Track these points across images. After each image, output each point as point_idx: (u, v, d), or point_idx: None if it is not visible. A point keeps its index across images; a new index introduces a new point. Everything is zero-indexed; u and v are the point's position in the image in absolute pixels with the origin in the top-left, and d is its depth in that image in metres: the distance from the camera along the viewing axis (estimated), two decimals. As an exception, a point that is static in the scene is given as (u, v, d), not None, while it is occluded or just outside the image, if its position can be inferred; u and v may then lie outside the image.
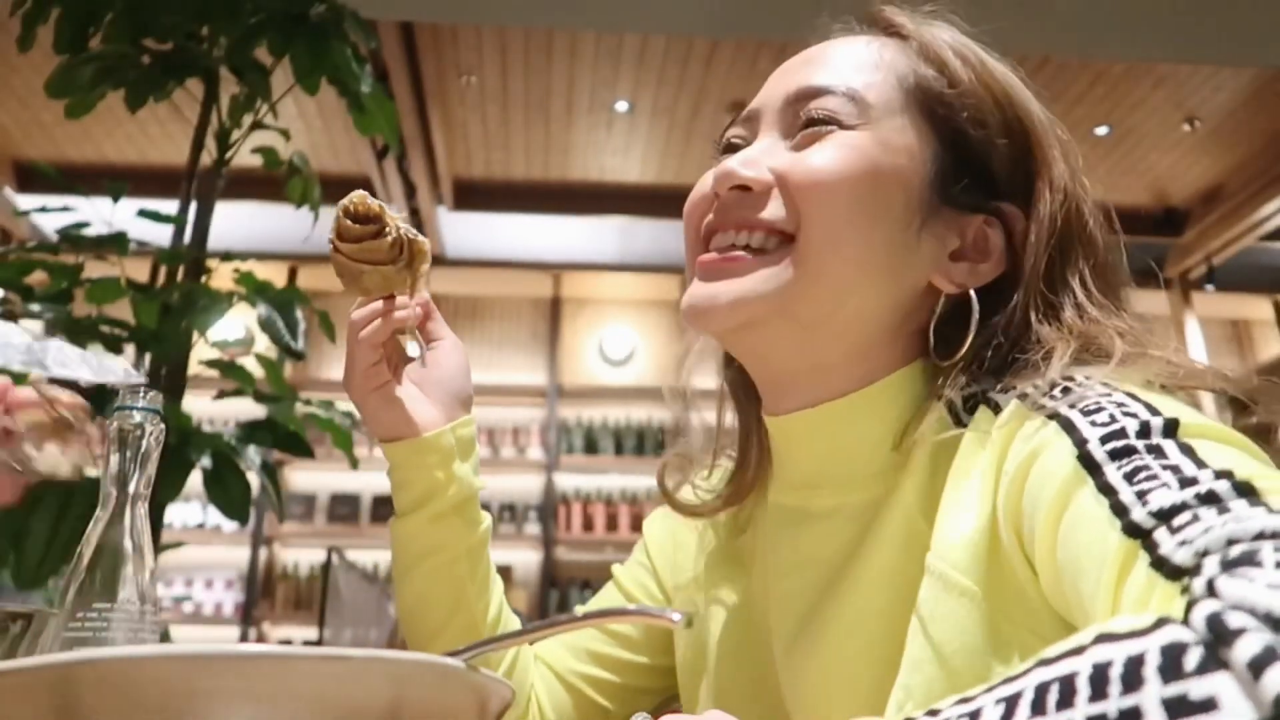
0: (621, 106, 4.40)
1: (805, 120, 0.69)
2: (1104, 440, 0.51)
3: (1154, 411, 0.52)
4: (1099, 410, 0.54)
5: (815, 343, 0.68)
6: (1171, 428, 0.50)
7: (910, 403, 0.68)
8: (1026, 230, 0.68)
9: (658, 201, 4.95)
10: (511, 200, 5.13)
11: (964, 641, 0.56)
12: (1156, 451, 0.49)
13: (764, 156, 0.69)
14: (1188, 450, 0.49)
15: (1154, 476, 0.47)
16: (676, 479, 0.84)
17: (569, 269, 5.73)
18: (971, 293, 0.67)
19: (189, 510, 5.15)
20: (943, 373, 0.67)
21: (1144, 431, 0.51)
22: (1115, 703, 0.33)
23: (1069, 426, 0.54)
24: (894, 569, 0.64)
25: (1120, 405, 0.54)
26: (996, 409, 0.62)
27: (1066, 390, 0.57)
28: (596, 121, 4.54)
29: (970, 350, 0.66)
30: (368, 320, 0.79)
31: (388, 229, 0.75)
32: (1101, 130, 4.52)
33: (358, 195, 0.75)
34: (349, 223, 0.75)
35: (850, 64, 0.71)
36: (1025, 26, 3.48)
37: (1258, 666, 0.30)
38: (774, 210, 0.67)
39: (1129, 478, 0.48)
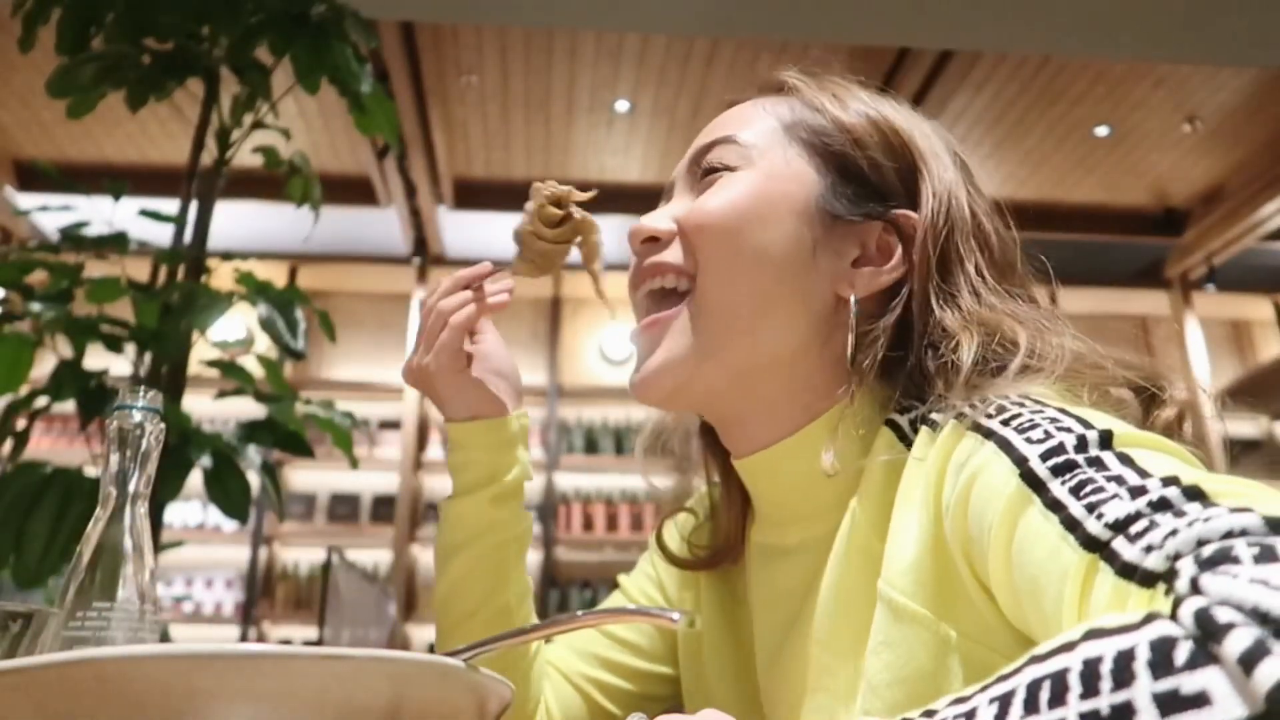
0: (622, 106, 4.40)
1: (702, 173, 0.76)
2: (1044, 457, 0.52)
3: (1087, 425, 0.53)
4: (1034, 427, 0.55)
5: (749, 382, 0.71)
6: (1107, 439, 0.51)
7: (859, 425, 0.69)
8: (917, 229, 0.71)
9: (658, 201, 4.93)
10: (512, 200, 5.10)
11: (916, 666, 0.57)
12: (1097, 464, 0.50)
13: (670, 209, 0.78)
14: (1127, 460, 0.49)
15: (1100, 489, 0.48)
16: (673, 534, 0.87)
17: (569, 269, 5.72)
18: (851, 298, 0.70)
19: (189, 510, 5.14)
20: (867, 387, 0.69)
21: (1081, 445, 0.51)
22: (1107, 699, 0.33)
23: (1006, 446, 0.55)
24: (852, 592, 0.65)
25: (1054, 421, 0.54)
26: (935, 428, 0.63)
27: (1001, 409, 0.58)
28: (597, 121, 4.54)
29: (871, 353, 0.69)
30: (459, 305, 0.83)
31: (573, 210, 0.82)
32: (1101, 130, 4.52)
33: (550, 183, 0.80)
34: (554, 210, 0.80)
35: (738, 120, 0.78)
36: (1026, 26, 3.49)
37: (1249, 661, 0.31)
38: (675, 253, 0.74)
39: (1075, 492, 0.49)
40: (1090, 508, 0.47)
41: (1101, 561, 0.44)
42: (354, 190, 4.86)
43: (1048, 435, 0.53)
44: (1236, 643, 0.31)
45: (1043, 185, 4.92)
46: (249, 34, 1.90)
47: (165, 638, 1.91)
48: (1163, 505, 0.44)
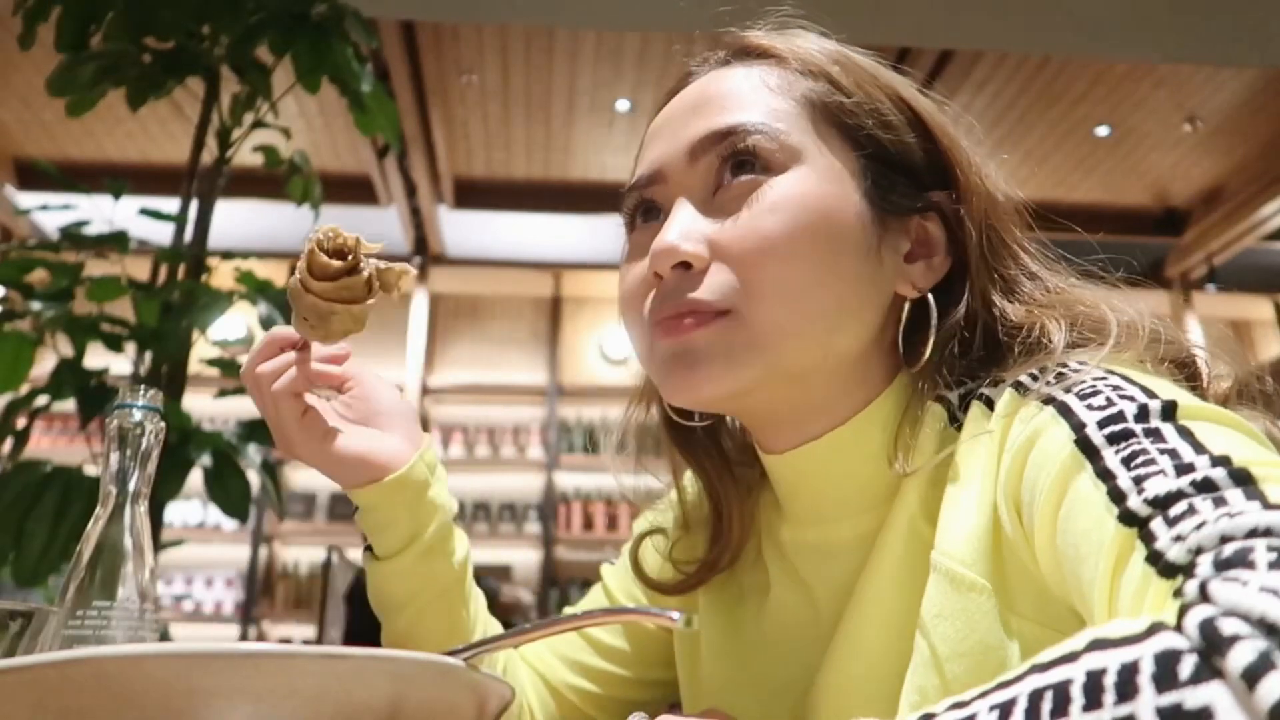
0: (622, 105, 4.40)
1: (731, 168, 0.64)
2: (1101, 424, 0.51)
3: (1151, 394, 0.52)
4: (1095, 394, 0.54)
5: (809, 387, 0.66)
6: (1169, 410, 0.50)
7: (903, 412, 0.67)
8: (959, 214, 0.67)
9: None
10: (512, 199, 5.13)
11: (977, 638, 0.56)
12: (1154, 435, 0.49)
13: (696, 224, 0.64)
14: (1186, 433, 0.48)
15: (1151, 461, 0.47)
16: (650, 559, 0.82)
17: (569, 268, 5.73)
18: (929, 295, 0.66)
19: (189, 508, 5.15)
20: (923, 376, 0.67)
21: (1142, 414, 0.50)
22: (1110, 712, 0.32)
23: (1065, 411, 0.54)
24: (900, 574, 0.63)
25: (1116, 388, 0.53)
26: (990, 404, 0.61)
27: (1061, 375, 0.57)
28: (597, 120, 4.54)
29: (937, 348, 0.65)
30: (276, 372, 0.71)
31: (362, 265, 0.67)
32: (1102, 130, 4.52)
33: (330, 229, 0.67)
34: (325, 258, 0.66)
35: (744, 97, 0.66)
36: (1026, 26, 3.49)
37: (1252, 676, 0.30)
38: (716, 285, 0.63)
39: (1126, 462, 0.48)
40: (1137, 480, 0.46)
41: (1138, 540, 0.44)
42: (354, 189, 4.87)
43: (1109, 402, 0.52)
44: (1240, 657, 0.31)
45: (1043, 185, 4.92)
46: (249, 33, 1.90)
47: (165, 636, 1.91)
48: (1206, 486, 0.43)
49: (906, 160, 0.67)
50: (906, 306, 0.67)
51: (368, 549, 0.78)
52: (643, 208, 0.70)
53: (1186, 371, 0.63)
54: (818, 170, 0.64)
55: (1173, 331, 0.63)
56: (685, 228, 0.64)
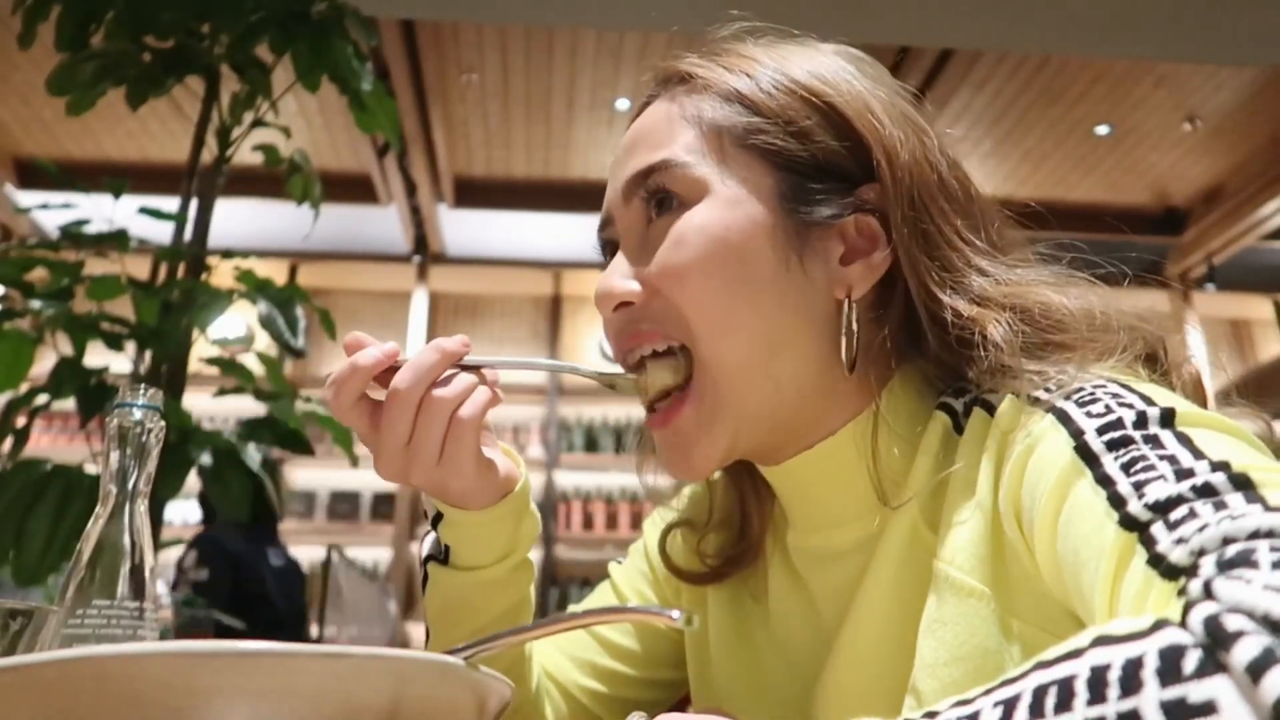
0: (622, 105, 4.40)
1: (653, 205, 0.68)
2: (1100, 431, 0.52)
3: (1149, 402, 0.52)
4: (1094, 401, 0.54)
5: (777, 421, 0.67)
6: (1168, 417, 0.51)
7: (901, 418, 0.67)
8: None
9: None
10: (512, 198, 5.13)
11: (976, 643, 0.57)
12: (1153, 441, 0.49)
13: (630, 264, 0.69)
14: (1185, 440, 0.49)
15: (1151, 467, 0.47)
16: (677, 548, 0.82)
17: (569, 267, 5.73)
18: (847, 300, 0.65)
19: (189, 507, 5.14)
20: (911, 382, 0.67)
21: (1141, 421, 0.51)
22: (1114, 706, 0.33)
23: (1065, 418, 0.54)
24: (902, 579, 0.63)
25: (1115, 396, 0.54)
26: (990, 410, 0.61)
27: (1061, 383, 0.57)
28: (597, 119, 4.54)
29: (879, 349, 0.66)
30: (462, 397, 0.66)
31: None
32: (1102, 130, 4.51)
33: None
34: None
35: (657, 135, 0.69)
36: (1026, 25, 3.48)
37: (1256, 670, 0.31)
38: (654, 315, 0.67)
39: (1126, 468, 0.49)
40: (1136, 486, 0.47)
41: (1139, 544, 0.44)
42: (354, 188, 4.87)
43: (1108, 410, 0.53)
44: (1245, 651, 0.31)
45: (1043, 185, 4.92)
46: (249, 32, 1.90)
47: (165, 635, 1.91)
48: (1206, 491, 0.44)
49: (828, 163, 0.66)
50: (853, 318, 0.66)
51: (431, 558, 0.75)
52: (607, 246, 0.75)
53: (1156, 363, 0.62)
54: (724, 198, 0.66)
55: (1130, 319, 0.62)
56: (620, 269, 0.69)
